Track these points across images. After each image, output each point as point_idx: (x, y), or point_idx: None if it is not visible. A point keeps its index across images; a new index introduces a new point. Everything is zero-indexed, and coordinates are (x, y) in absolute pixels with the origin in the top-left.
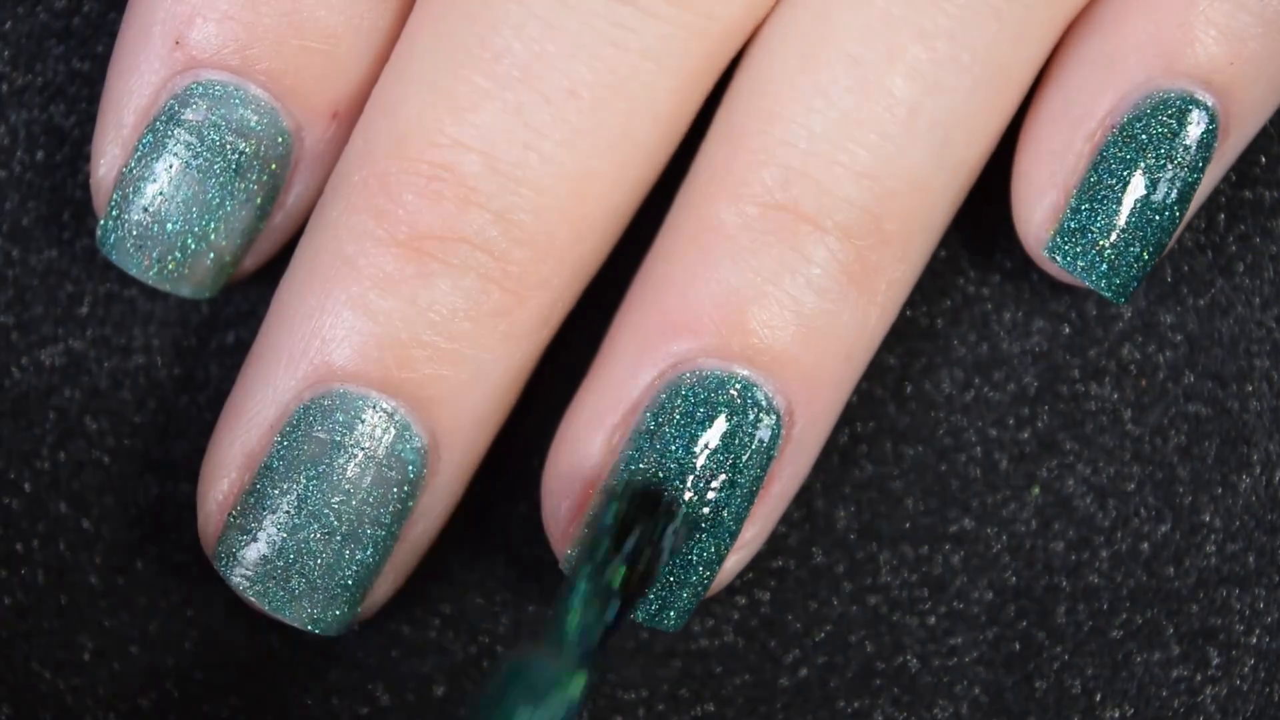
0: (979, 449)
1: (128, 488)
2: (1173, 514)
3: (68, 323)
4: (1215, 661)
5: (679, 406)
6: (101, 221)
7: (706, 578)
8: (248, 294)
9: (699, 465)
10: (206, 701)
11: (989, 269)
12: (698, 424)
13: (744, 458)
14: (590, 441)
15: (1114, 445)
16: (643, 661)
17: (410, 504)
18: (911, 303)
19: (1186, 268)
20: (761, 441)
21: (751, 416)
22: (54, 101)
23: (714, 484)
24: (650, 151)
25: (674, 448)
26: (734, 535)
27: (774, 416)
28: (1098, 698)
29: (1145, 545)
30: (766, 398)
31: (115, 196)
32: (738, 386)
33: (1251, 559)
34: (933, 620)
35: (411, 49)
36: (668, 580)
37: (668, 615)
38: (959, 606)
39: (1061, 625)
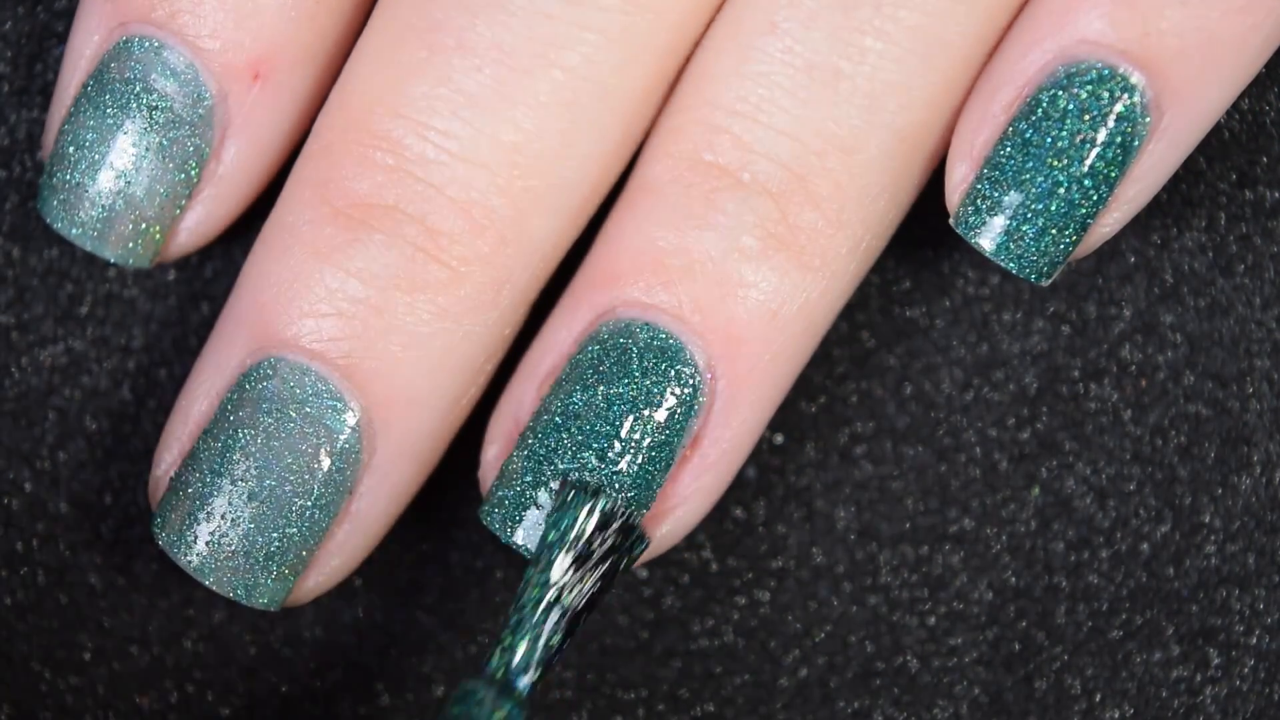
0: (979, 449)
1: (127, 488)
2: (1173, 514)
3: (68, 323)
4: (1215, 661)
5: (593, 355)
6: (40, 181)
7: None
8: None
9: (610, 418)
10: (206, 701)
11: (989, 269)
12: (609, 373)
13: (656, 409)
14: (524, 392)
15: (1114, 445)
16: (643, 661)
17: (345, 479)
18: (911, 302)
19: (1186, 268)
20: (674, 392)
21: (663, 365)
22: None
23: (624, 439)
24: (601, 126)
25: (584, 395)
26: (650, 493)
27: (690, 367)
28: (1098, 698)
29: (1145, 545)
30: (680, 347)
31: (49, 155)
32: (647, 334)
33: (1251, 559)
34: (933, 620)
35: (369, 25)
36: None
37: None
38: (959, 606)
39: (1061, 625)
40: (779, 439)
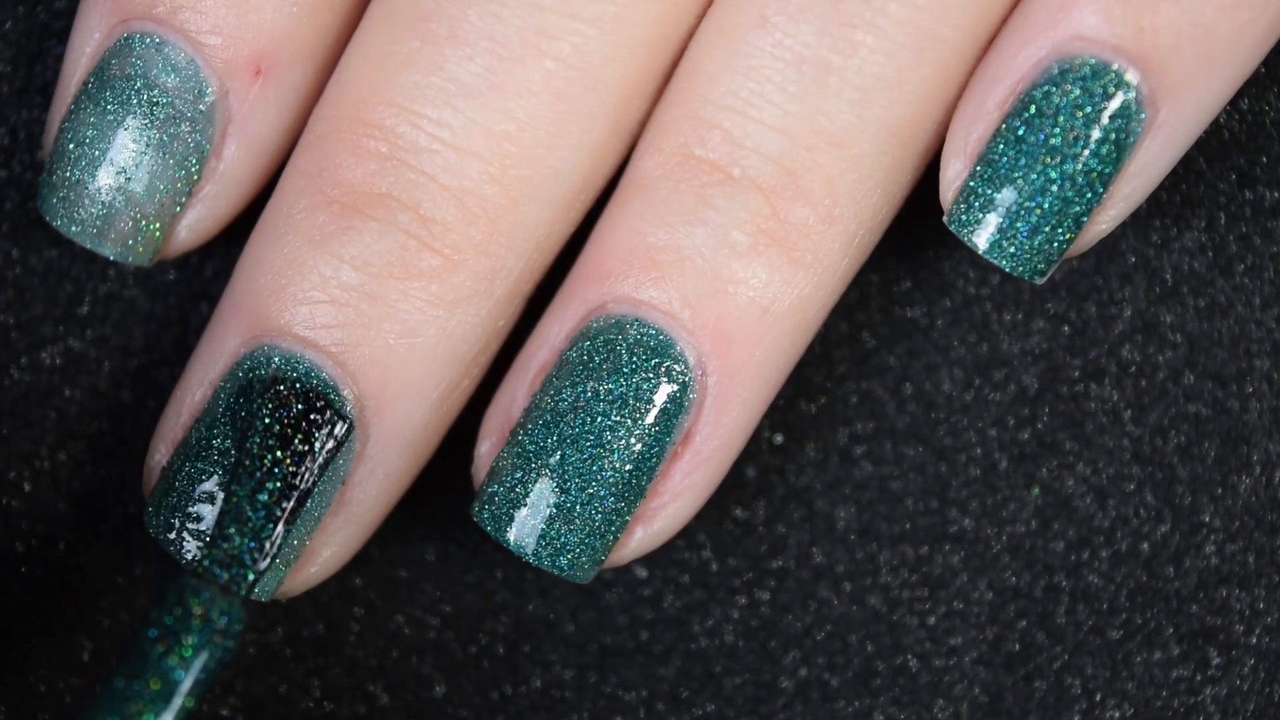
0: (979, 449)
1: (128, 487)
2: (1173, 514)
3: (68, 323)
4: (1215, 661)
5: (583, 351)
6: (40, 179)
7: (605, 530)
8: None
9: (600, 414)
10: (206, 701)
11: (989, 269)
12: (598, 369)
13: (646, 406)
14: (517, 387)
15: (1114, 445)
16: (642, 661)
17: (338, 466)
18: (911, 302)
19: (1186, 268)
20: (664, 389)
21: (653, 361)
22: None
23: (615, 435)
24: (593, 116)
25: (574, 391)
26: (637, 489)
27: (680, 364)
28: (1098, 698)
29: (1145, 545)
30: (670, 343)
31: (50, 153)
32: (638, 330)
33: (1251, 559)
34: (933, 620)
35: (365, 17)
36: (560, 529)
37: (566, 563)
38: (959, 606)
39: (1061, 625)
40: (779, 439)
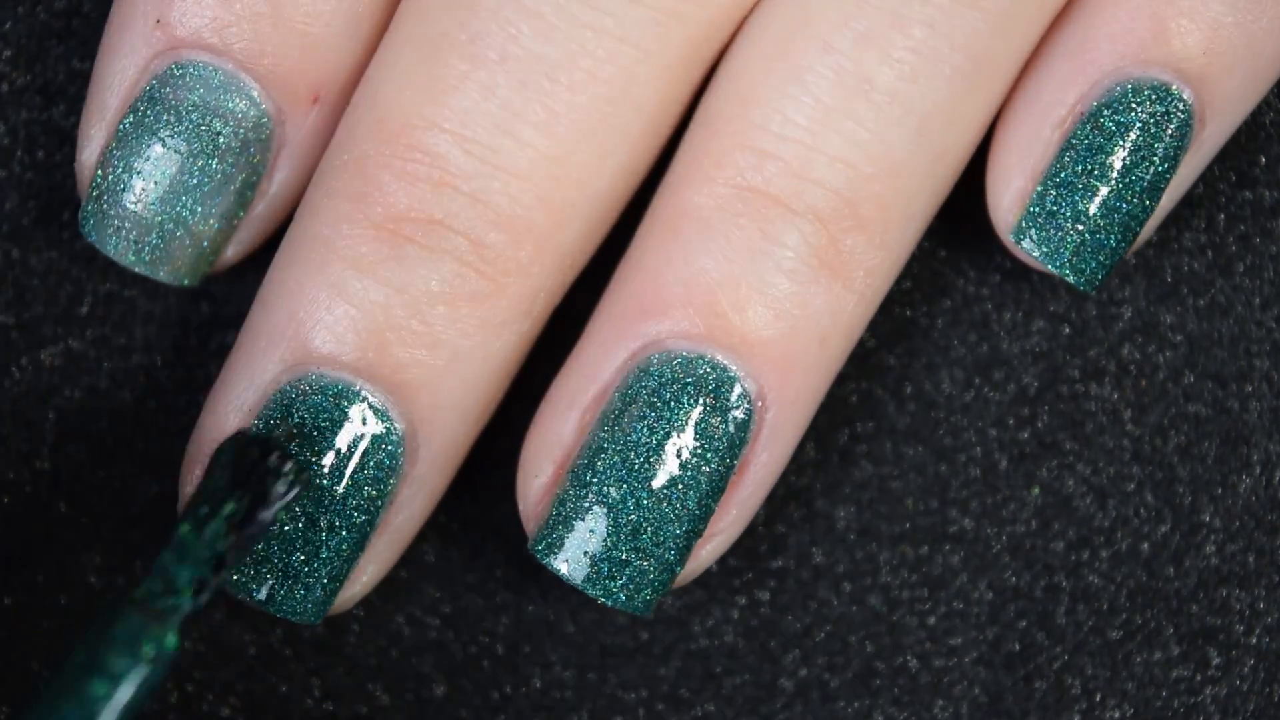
0: (979, 449)
1: (128, 488)
2: (1173, 514)
3: (68, 323)
4: (1215, 661)
5: (646, 387)
6: (84, 204)
7: (674, 563)
8: (248, 293)
9: (665, 448)
10: (206, 701)
11: (989, 269)
12: (664, 406)
13: (712, 441)
14: (564, 421)
15: (1114, 445)
16: (643, 661)
17: (388, 491)
18: (911, 303)
19: (1186, 268)
20: (731, 424)
21: (720, 398)
22: (54, 101)
23: (681, 468)
24: (633, 138)
25: (640, 429)
26: (703, 520)
27: (744, 399)
28: (1098, 698)
29: (1145, 545)
30: (735, 379)
31: (96, 178)
32: (706, 368)
33: (1251, 559)
34: (933, 620)
35: (396, 35)
36: (631, 564)
37: (637, 598)
38: (959, 606)
39: (1061, 625)
40: None
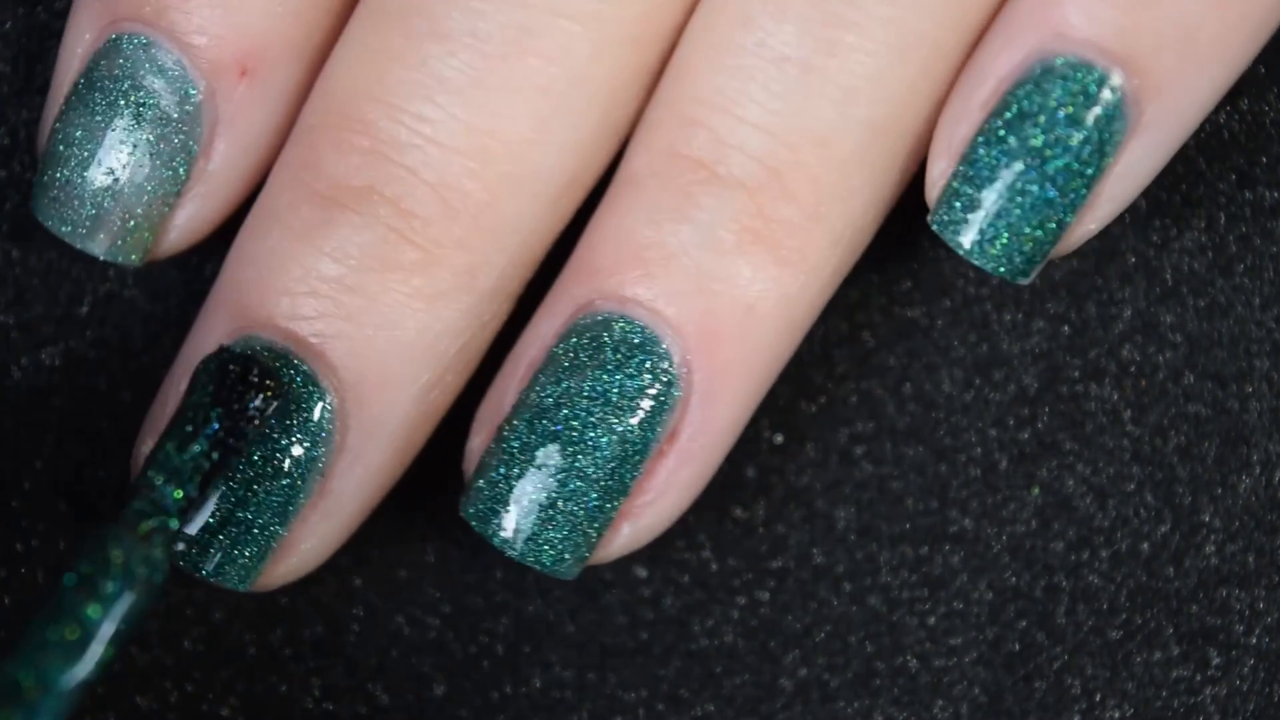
0: (979, 449)
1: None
2: (1173, 514)
3: (68, 323)
4: (1215, 661)
5: (567, 348)
6: (34, 180)
7: (588, 526)
8: None
9: (585, 410)
10: (206, 701)
11: None
12: (579, 366)
13: (630, 403)
14: (508, 384)
15: (1114, 445)
16: (643, 661)
17: (316, 457)
18: (911, 302)
19: (1186, 268)
20: (650, 387)
21: (637, 359)
22: None
23: (599, 432)
24: (575, 113)
25: (555, 389)
26: (621, 485)
27: (664, 362)
28: (1098, 698)
29: (1145, 545)
30: (654, 341)
31: (42, 154)
32: (623, 327)
33: (1251, 559)
34: (933, 620)
35: (355, 12)
36: (546, 525)
37: (547, 558)
38: (959, 606)
39: (1061, 625)
40: (779, 439)
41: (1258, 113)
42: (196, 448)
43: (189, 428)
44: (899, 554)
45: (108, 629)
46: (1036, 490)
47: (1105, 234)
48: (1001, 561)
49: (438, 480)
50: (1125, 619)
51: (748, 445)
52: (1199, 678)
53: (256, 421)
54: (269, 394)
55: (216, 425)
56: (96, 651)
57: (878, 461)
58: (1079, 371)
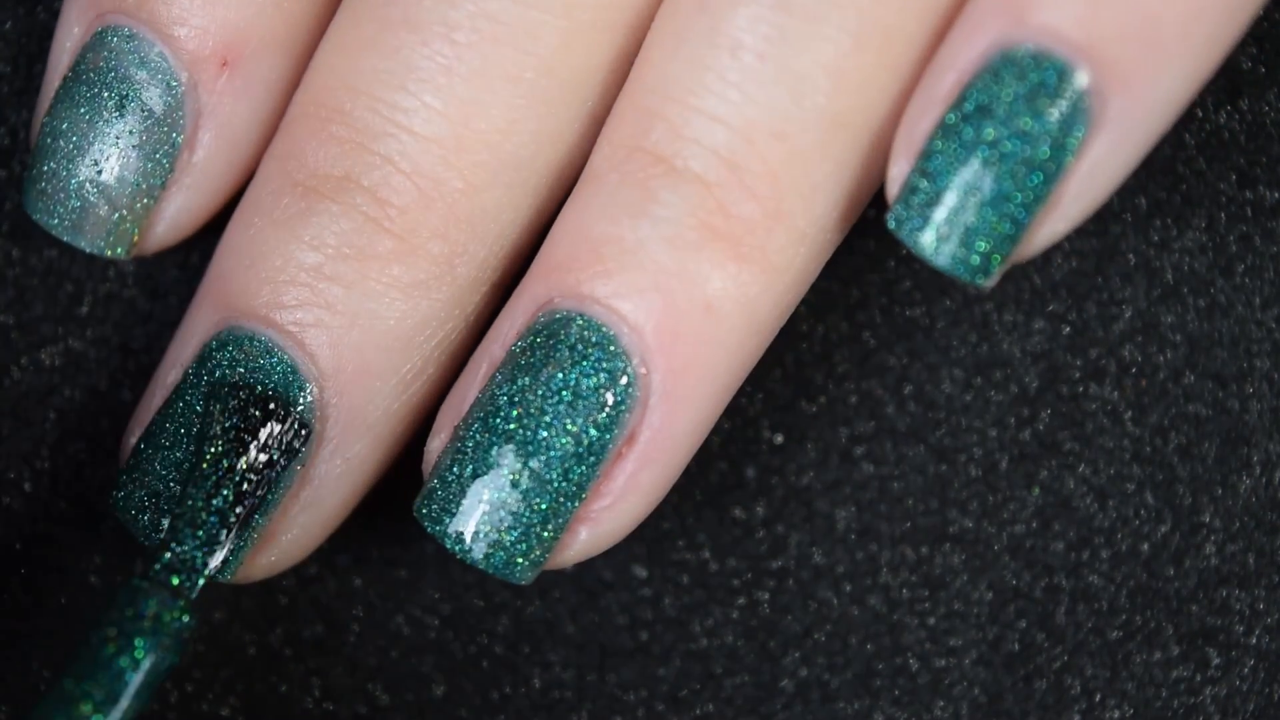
0: (979, 449)
1: None
2: (1173, 514)
3: (68, 323)
4: (1215, 661)
5: (527, 346)
6: (25, 174)
7: (542, 528)
8: None
9: (539, 410)
10: (206, 701)
11: None
12: (534, 364)
13: (584, 402)
14: (470, 383)
15: (1114, 445)
16: (643, 661)
17: (298, 447)
18: (911, 302)
19: (1186, 268)
20: (604, 387)
21: (591, 358)
22: None
23: (552, 432)
24: (547, 103)
25: (510, 388)
26: (577, 487)
27: (620, 361)
28: (1098, 698)
29: (1145, 545)
30: (610, 339)
31: (33, 149)
32: (579, 325)
33: (1251, 559)
34: (933, 620)
35: (340, 8)
36: (498, 529)
37: (498, 561)
38: (959, 606)
39: (1061, 625)
40: (779, 439)
41: (1258, 113)
42: (221, 502)
43: (210, 480)
44: (899, 554)
45: (139, 681)
46: (1036, 490)
47: (1105, 234)
48: (1001, 561)
49: None
50: (1125, 619)
51: (748, 445)
52: (1199, 678)
53: (277, 457)
54: (283, 422)
55: (238, 478)
56: (125, 704)
57: (878, 461)
58: (1079, 371)
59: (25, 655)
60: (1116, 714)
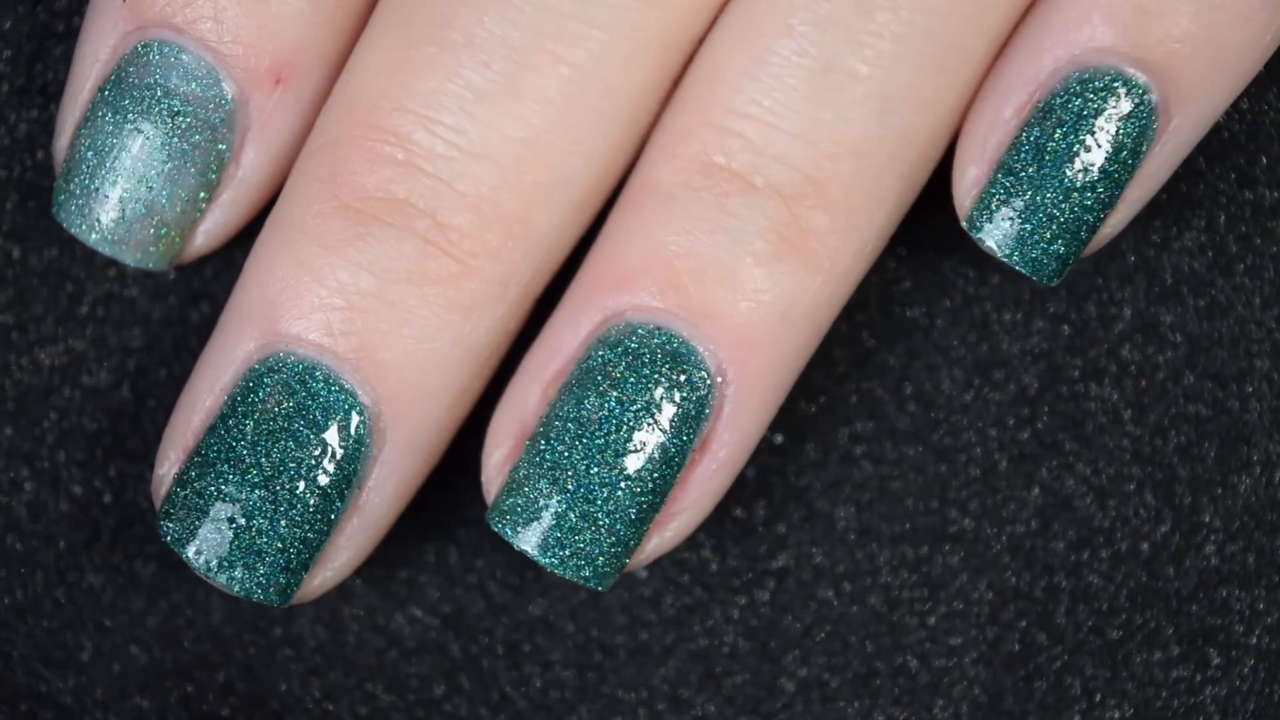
0: (979, 449)
1: (127, 487)
2: (1173, 514)
3: (68, 323)
4: (1215, 661)
5: (601, 359)
6: (55, 185)
7: (627, 537)
8: None
9: (623, 422)
10: (206, 701)
11: (989, 269)
12: (618, 377)
13: (668, 414)
14: (527, 394)
15: (1114, 445)
16: (642, 661)
17: (355, 472)
18: (911, 303)
19: (1186, 268)
20: (688, 398)
21: (676, 371)
22: (54, 101)
23: (633, 440)
24: (606, 123)
25: (593, 400)
26: (658, 495)
27: (702, 373)
28: (1098, 698)
29: (1145, 545)
30: (693, 352)
31: (65, 160)
32: (662, 340)
33: (1251, 559)
34: (933, 620)
35: (373, 20)
36: (582, 535)
37: (588, 570)
38: (959, 606)
39: (1061, 625)
40: (779, 439)
41: (1258, 113)
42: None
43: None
44: (899, 554)
45: None
46: (1036, 490)
47: None
48: (1001, 561)
49: (438, 480)
50: (1125, 619)
51: None
52: (1199, 678)
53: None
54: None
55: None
56: None
57: (878, 461)
58: (1079, 371)
59: (25, 655)
60: (1116, 714)
